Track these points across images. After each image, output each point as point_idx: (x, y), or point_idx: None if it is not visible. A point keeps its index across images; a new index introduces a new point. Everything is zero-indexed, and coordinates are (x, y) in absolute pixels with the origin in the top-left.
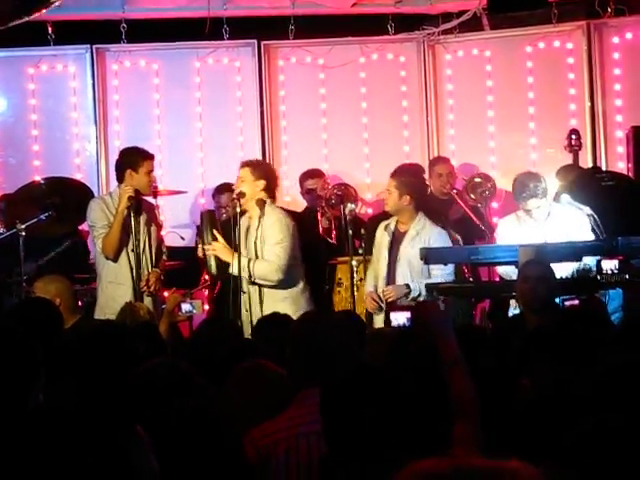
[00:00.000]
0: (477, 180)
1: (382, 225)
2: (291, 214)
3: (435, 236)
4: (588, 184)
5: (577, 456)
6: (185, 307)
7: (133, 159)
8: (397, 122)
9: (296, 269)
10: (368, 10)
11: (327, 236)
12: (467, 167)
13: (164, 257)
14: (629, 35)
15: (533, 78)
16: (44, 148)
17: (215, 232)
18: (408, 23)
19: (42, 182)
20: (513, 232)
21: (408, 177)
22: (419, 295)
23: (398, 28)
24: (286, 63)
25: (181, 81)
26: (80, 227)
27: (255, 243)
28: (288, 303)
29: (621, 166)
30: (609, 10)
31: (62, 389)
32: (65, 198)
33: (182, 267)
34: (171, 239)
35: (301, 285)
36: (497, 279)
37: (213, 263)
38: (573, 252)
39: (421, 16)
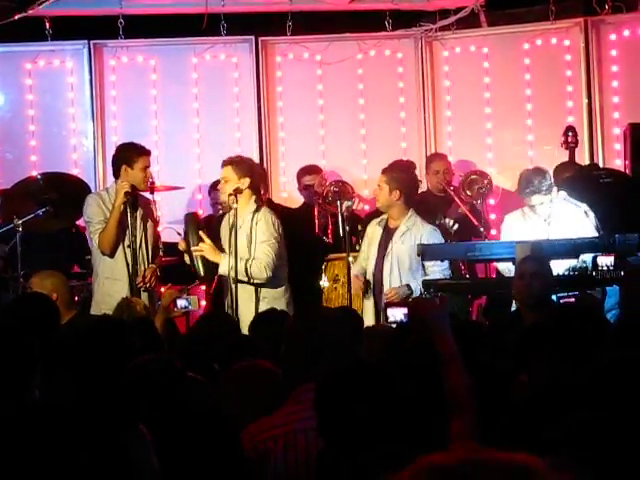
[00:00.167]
0: (473, 177)
1: (374, 221)
2: (287, 210)
3: (427, 234)
4: (585, 181)
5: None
6: (181, 303)
7: (128, 155)
8: (394, 118)
9: (281, 269)
10: (365, 6)
11: (323, 233)
12: (464, 163)
13: (161, 253)
14: (626, 32)
15: (530, 75)
16: (41, 143)
17: (201, 233)
18: (405, 19)
19: (39, 177)
20: (518, 228)
21: (398, 172)
22: (419, 294)
23: (395, 24)
24: (283, 59)
25: (178, 77)
26: (77, 222)
27: (244, 242)
28: (265, 303)
29: (618, 163)
30: (606, 7)
31: (59, 384)
32: (62, 194)
33: (179, 263)
34: (168, 235)
35: (283, 287)
36: (494, 276)
37: (200, 264)
38: (570, 249)
39: (419, 13)
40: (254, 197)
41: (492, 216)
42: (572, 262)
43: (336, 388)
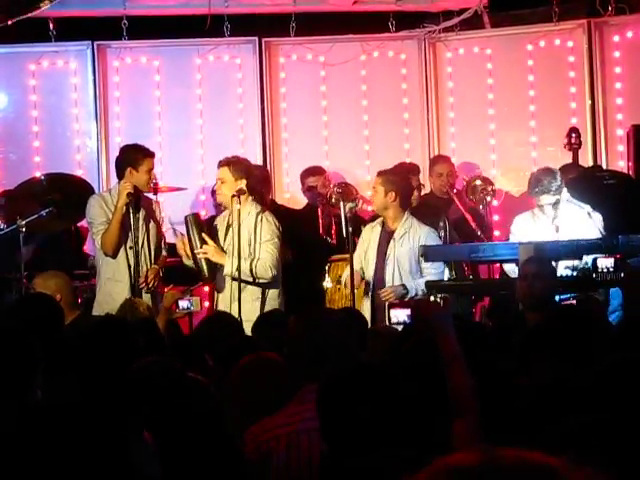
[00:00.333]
0: (477, 183)
1: (369, 225)
2: (290, 211)
3: (425, 236)
4: (589, 182)
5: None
6: (183, 304)
7: (133, 157)
8: (398, 120)
9: (280, 270)
10: (369, 7)
11: (327, 235)
12: (467, 165)
13: (164, 254)
14: (630, 34)
15: (534, 76)
16: (45, 144)
17: (204, 235)
18: (409, 21)
19: (43, 178)
20: (527, 229)
21: (393, 175)
22: (415, 295)
23: (399, 26)
24: (287, 60)
25: (182, 78)
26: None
27: (244, 242)
28: (258, 304)
29: (621, 164)
30: (610, 9)
31: (63, 384)
32: (65, 194)
33: (182, 264)
34: (171, 236)
35: (278, 290)
36: (497, 277)
37: (205, 266)
38: (573, 250)
39: (422, 14)
40: (251, 197)
41: (495, 217)
42: (574, 263)
43: (338, 389)
